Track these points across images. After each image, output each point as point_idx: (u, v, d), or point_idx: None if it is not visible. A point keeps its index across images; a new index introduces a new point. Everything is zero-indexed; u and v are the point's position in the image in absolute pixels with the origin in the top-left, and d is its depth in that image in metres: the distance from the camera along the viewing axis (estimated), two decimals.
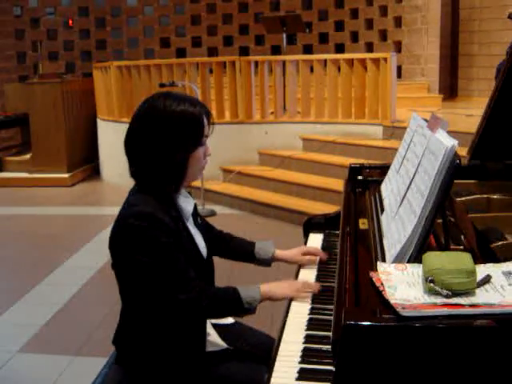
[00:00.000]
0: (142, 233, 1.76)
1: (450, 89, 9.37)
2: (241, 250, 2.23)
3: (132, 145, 1.86)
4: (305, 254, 2.24)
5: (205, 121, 1.85)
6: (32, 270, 4.89)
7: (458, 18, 9.19)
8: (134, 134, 1.85)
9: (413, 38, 9.33)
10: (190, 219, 1.96)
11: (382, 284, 1.35)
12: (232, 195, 6.71)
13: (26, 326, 3.77)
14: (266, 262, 2.22)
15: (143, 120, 1.84)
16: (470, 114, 6.26)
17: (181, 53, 10.83)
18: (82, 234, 5.74)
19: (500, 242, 1.81)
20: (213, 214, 6.37)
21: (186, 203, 1.92)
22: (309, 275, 2.15)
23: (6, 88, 9.61)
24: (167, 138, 1.79)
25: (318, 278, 2.11)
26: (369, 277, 1.43)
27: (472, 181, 2.46)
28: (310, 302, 1.91)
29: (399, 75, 9.07)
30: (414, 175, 1.76)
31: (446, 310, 1.23)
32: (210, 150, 1.91)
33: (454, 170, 1.49)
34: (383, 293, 1.31)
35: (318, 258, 2.24)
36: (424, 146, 1.77)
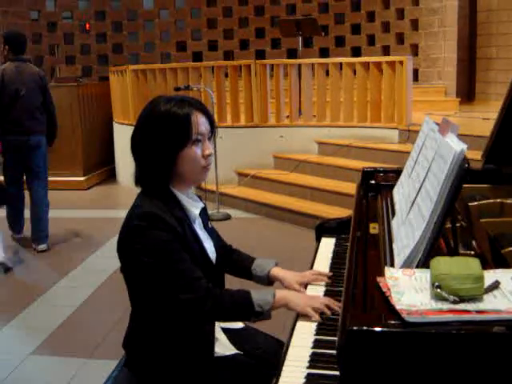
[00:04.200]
0: (144, 232, 1.77)
1: (467, 92, 9.30)
2: (240, 265, 2.16)
3: (132, 147, 1.91)
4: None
5: (196, 119, 1.82)
6: (46, 272, 4.93)
7: (476, 20, 9.11)
8: (132, 137, 1.90)
9: (430, 41, 9.27)
10: (198, 222, 1.96)
11: (388, 289, 1.34)
12: (247, 199, 6.70)
13: (39, 329, 3.79)
14: (263, 280, 2.11)
15: (137, 123, 1.90)
16: (487, 117, 6.20)
17: (197, 57, 10.86)
18: (97, 237, 5.77)
19: None
20: (228, 217, 6.37)
21: (193, 205, 1.92)
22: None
23: None
24: (152, 138, 1.82)
25: (331, 280, 2.08)
26: (376, 282, 1.41)
27: (486, 185, 2.43)
28: None
29: (416, 78, 9.02)
30: (423, 179, 1.75)
31: (451, 316, 1.22)
32: (211, 150, 1.87)
33: (462, 174, 1.47)
34: (389, 298, 1.30)
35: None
36: (434, 149, 1.75)
